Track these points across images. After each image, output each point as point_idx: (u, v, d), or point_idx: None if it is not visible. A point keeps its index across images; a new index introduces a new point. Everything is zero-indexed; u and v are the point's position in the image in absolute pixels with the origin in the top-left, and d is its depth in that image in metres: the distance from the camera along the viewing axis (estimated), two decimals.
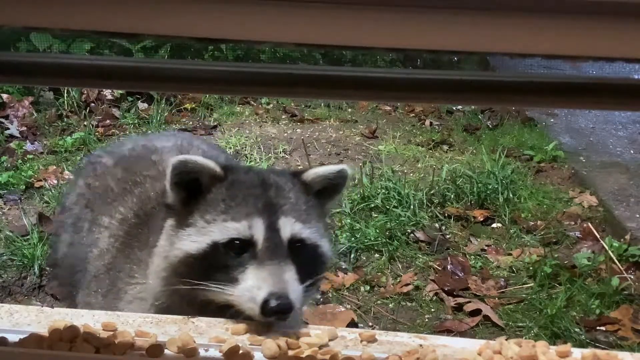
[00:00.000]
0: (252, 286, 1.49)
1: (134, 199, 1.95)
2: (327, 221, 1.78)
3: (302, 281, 1.54)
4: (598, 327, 3.13)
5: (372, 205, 4.10)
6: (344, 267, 3.57)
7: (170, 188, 1.61)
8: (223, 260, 1.54)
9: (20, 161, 4.58)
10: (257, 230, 1.53)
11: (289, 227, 1.55)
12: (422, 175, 4.64)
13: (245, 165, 1.82)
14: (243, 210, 1.55)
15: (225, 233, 1.54)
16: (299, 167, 1.87)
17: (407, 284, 3.43)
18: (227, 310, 1.52)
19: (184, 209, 1.61)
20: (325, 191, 1.70)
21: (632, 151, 5.30)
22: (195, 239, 1.56)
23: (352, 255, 3.66)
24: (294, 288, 1.50)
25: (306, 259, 1.59)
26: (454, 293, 3.38)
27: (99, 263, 1.90)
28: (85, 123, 5.20)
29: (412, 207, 4.05)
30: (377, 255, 3.70)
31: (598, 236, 3.85)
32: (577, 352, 1.36)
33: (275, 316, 1.46)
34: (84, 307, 1.85)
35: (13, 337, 1.33)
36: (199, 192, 1.60)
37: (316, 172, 1.69)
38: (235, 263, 1.53)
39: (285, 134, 5.36)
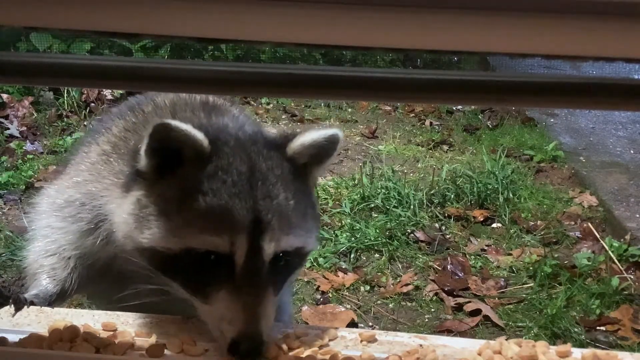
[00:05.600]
0: (223, 316, 1.33)
1: None
2: (313, 196, 1.57)
3: (281, 287, 1.43)
4: (598, 327, 3.13)
5: (372, 205, 4.10)
6: (344, 267, 3.57)
7: (145, 153, 1.37)
8: (196, 267, 1.35)
9: (20, 161, 4.58)
10: (239, 248, 1.33)
11: (273, 244, 1.36)
12: (422, 175, 4.64)
13: (233, 134, 1.47)
14: (226, 221, 1.34)
15: (202, 243, 1.34)
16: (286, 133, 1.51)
17: (407, 284, 3.43)
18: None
19: (157, 178, 1.39)
20: (313, 159, 1.49)
21: (632, 151, 5.30)
22: (168, 237, 1.36)
23: (352, 255, 3.66)
24: (269, 323, 1.34)
25: (288, 265, 1.43)
26: (454, 293, 3.38)
27: None
28: (85, 123, 5.21)
29: (412, 207, 4.05)
30: (377, 255, 3.70)
31: (598, 236, 3.85)
32: (577, 352, 1.37)
33: (243, 359, 1.31)
34: None
35: (13, 337, 1.33)
36: (177, 163, 1.37)
37: (302, 142, 1.45)
38: (209, 276, 1.35)
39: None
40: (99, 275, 1.66)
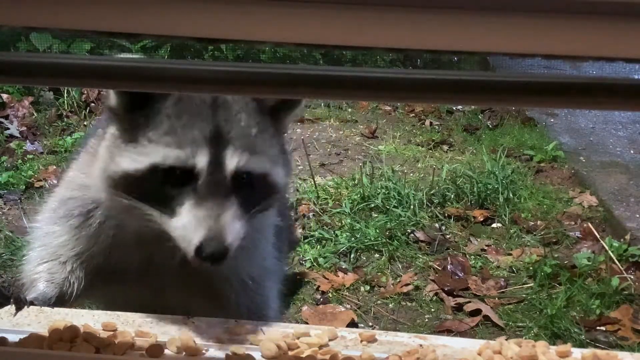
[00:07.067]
0: (187, 225, 1.41)
1: None
2: (284, 140, 1.67)
3: (247, 211, 1.48)
4: (598, 327, 3.12)
5: (372, 205, 4.10)
6: (344, 267, 3.57)
7: (113, 91, 1.49)
8: (162, 186, 1.44)
9: (20, 161, 4.58)
10: (200, 161, 1.42)
11: (235, 159, 1.44)
12: (422, 175, 4.64)
13: None
14: (188, 135, 1.43)
15: (166, 158, 1.43)
16: None
17: (407, 284, 3.43)
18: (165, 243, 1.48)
19: (128, 116, 1.49)
20: (283, 105, 1.58)
21: (632, 151, 5.29)
22: (135, 158, 1.46)
23: (352, 255, 3.66)
24: (232, 230, 1.41)
25: (253, 190, 1.50)
26: (454, 293, 3.38)
27: None
28: (85, 123, 5.20)
29: (412, 207, 4.05)
30: (377, 255, 3.70)
31: (598, 236, 3.85)
32: (577, 352, 1.37)
33: (209, 261, 1.40)
34: None
35: (13, 337, 1.33)
36: (145, 100, 1.47)
37: None
38: (174, 192, 1.43)
39: (286, 134, 5.35)
40: (99, 277, 1.68)
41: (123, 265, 1.66)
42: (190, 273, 1.67)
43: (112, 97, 1.50)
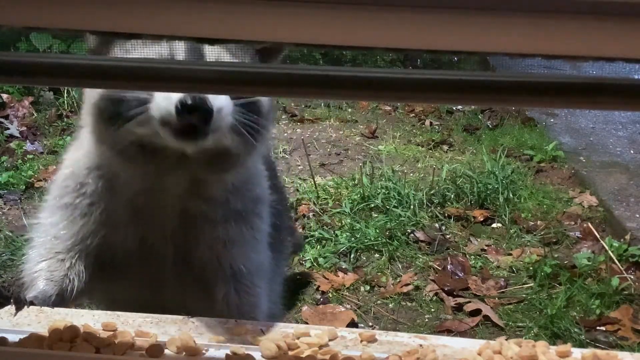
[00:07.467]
0: (164, 95, 1.38)
1: None
2: None
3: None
4: (598, 327, 3.12)
5: (372, 205, 4.10)
6: (344, 267, 3.57)
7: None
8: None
9: (20, 161, 4.58)
10: (178, 51, 1.42)
11: (214, 52, 1.42)
12: (422, 175, 4.64)
13: None
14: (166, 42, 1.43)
15: (146, 54, 1.42)
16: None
17: (407, 284, 3.43)
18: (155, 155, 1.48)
19: (105, 50, 1.52)
20: (266, 51, 1.55)
21: (632, 151, 5.29)
22: None
23: (352, 255, 3.66)
24: (215, 100, 1.37)
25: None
26: (454, 293, 3.38)
27: None
28: None
29: (412, 207, 4.05)
30: (377, 255, 3.70)
31: (598, 236, 3.85)
32: (577, 352, 1.37)
33: (192, 116, 1.33)
34: None
35: (13, 337, 1.33)
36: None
37: None
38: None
39: (285, 134, 5.36)
40: (98, 272, 1.69)
41: (119, 250, 1.66)
42: (184, 259, 1.67)
43: (89, 39, 1.55)
